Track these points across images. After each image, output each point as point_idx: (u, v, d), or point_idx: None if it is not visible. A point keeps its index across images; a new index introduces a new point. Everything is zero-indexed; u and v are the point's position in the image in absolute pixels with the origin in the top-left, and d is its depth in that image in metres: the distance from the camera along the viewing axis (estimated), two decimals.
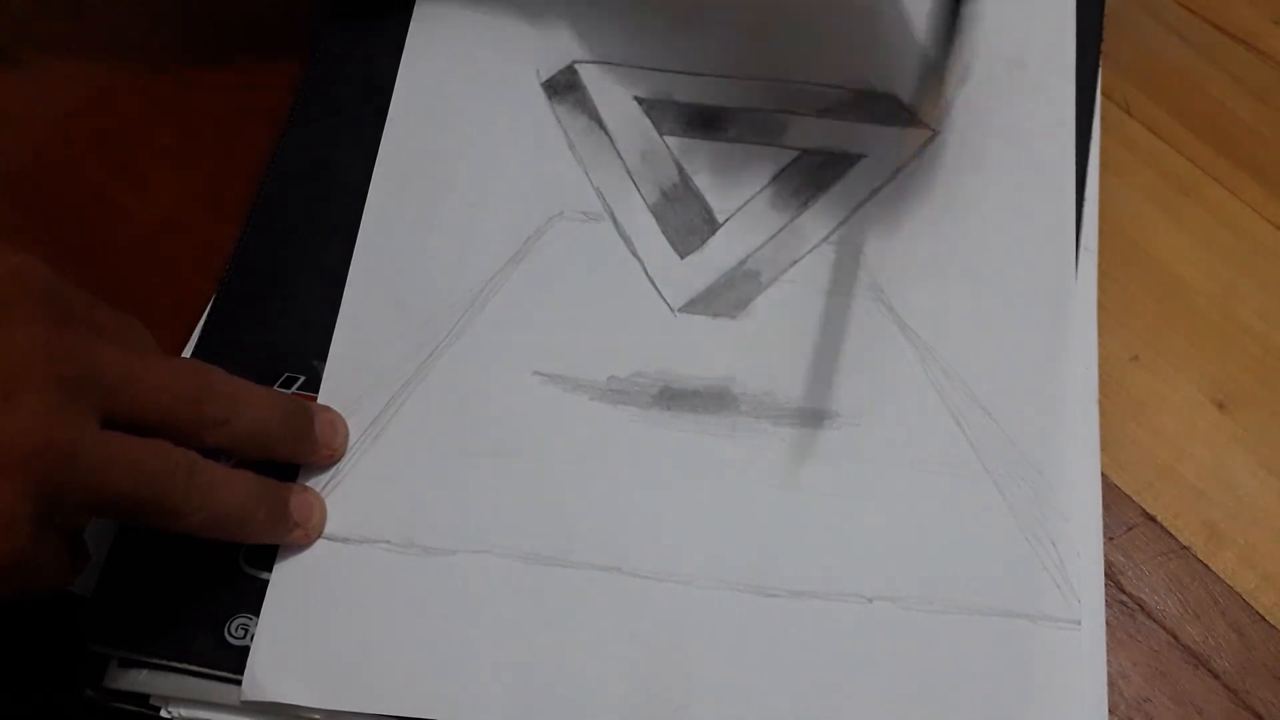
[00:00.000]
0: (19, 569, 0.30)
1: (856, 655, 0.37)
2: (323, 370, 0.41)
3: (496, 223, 0.43)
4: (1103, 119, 0.46)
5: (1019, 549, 0.38)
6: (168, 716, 0.36)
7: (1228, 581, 0.39)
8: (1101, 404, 0.41)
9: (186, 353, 0.42)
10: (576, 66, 0.47)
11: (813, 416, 0.40)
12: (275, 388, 0.40)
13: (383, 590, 0.37)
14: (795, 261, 0.43)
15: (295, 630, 0.37)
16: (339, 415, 0.39)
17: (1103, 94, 0.46)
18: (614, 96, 0.46)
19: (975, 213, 0.44)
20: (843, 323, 0.42)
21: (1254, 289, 0.44)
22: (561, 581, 0.38)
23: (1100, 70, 0.47)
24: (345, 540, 0.38)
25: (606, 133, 0.45)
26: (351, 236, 0.43)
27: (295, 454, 0.38)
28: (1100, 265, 0.43)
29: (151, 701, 0.37)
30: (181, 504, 0.33)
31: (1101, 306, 0.42)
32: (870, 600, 0.37)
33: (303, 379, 0.41)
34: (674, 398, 0.40)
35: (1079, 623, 0.37)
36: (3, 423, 0.29)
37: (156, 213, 0.46)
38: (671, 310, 0.42)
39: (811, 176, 0.44)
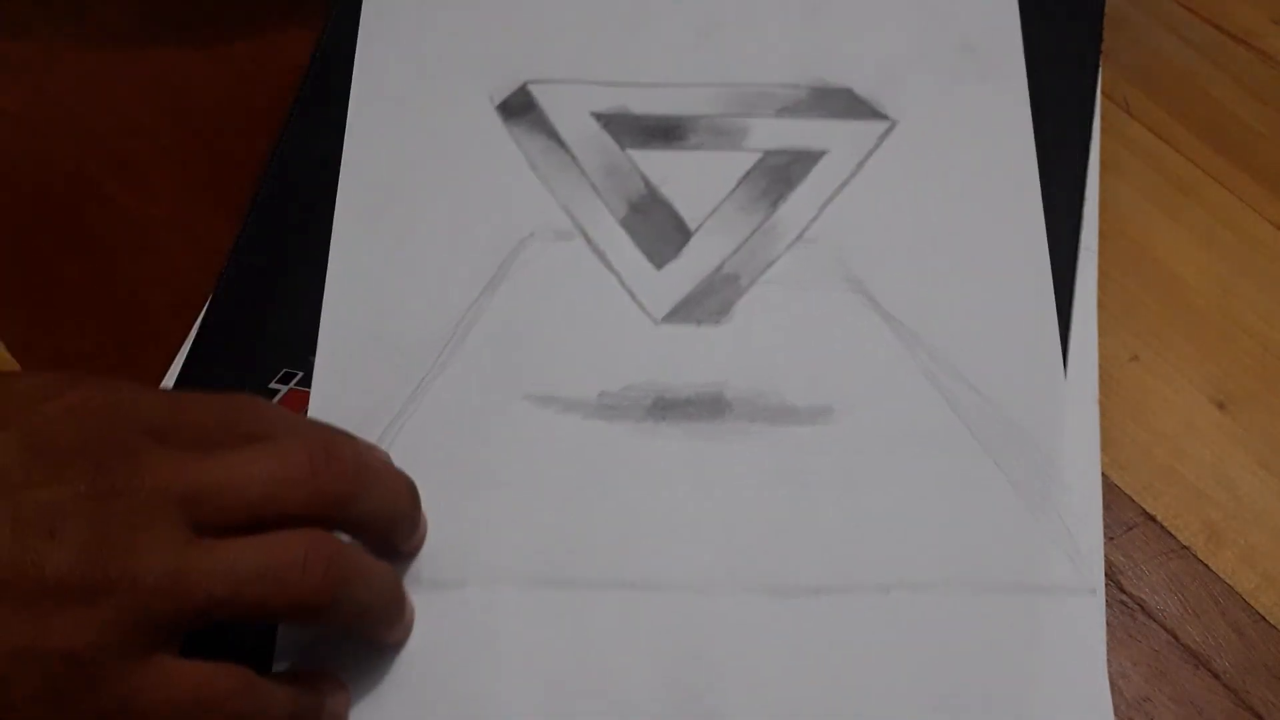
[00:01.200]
0: (118, 695, 0.29)
1: (879, 645, 0.37)
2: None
3: (468, 251, 0.43)
4: (1103, 119, 0.46)
5: (1025, 523, 0.38)
6: None
7: (1228, 581, 0.39)
8: (1101, 404, 0.41)
9: (184, 350, 0.41)
10: (529, 86, 0.46)
11: (807, 414, 0.40)
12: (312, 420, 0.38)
13: None
14: (772, 262, 0.43)
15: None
16: None
17: (1103, 94, 0.46)
18: (570, 114, 0.46)
19: (942, 197, 0.44)
20: (826, 318, 0.42)
21: (1254, 289, 0.44)
22: (576, 602, 0.37)
23: (1100, 70, 0.47)
24: None
25: (568, 151, 0.45)
26: None
27: (409, 536, 0.37)
28: (1100, 265, 0.43)
29: None
30: (311, 596, 0.31)
31: (1101, 306, 0.42)
32: (887, 590, 0.37)
33: (300, 374, 0.41)
34: (667, 408, 0.40)
35: (1095, 590, 0.37)
36: (55, 559, 0.29)
37: (156, 211, 0.46)
38: (654, 321, 0.42)
39: (778, 177, 0.44)
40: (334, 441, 0.33)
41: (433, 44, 0.47)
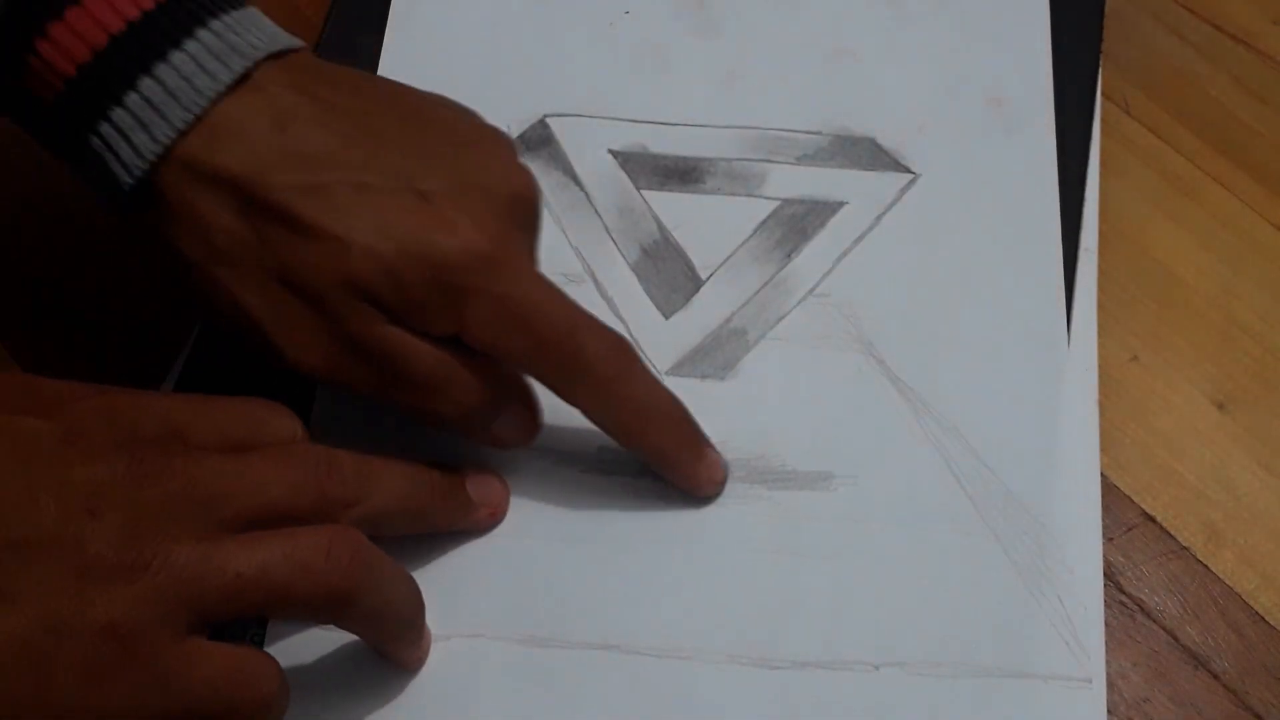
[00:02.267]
0: (156, 671, 0.29)
1: None
2: None
3: None
4: (1103, 119, 0.46)
5: (1025, 606, 0.37)
6: None
7: (1227, 581, 0.39)
8: (1101, 404, 0.41)
9: (186, 351, 0.41)
10: (548, 120, 0.46)
11: (806, 478, 0.39)
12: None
13: (374, 678, 0.36)
14: (782, 317, 0.42)
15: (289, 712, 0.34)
16: (491, 472, 0.38)
17: (1103, 94, 0.46)
18: (588, 150, 0.45)
19: (961, 257, 0.43)
20: (833, 379, 0.41)
21: (1254, 289, 0.44)
22: (560, 663, 0.36)
23: (1100, 70, 0.47)
24: (333, 627, 0.36)
25: (582, 189, 0.44)
26: None
27: (451, 520, 0.37)
28: (1100, 265, 0.43)
29: None
30: (338, 581, 0.31)
31: (1101, 306, 0.42)
32: (877, 667, 0.36)
33: None
34: None
35: (1090, 680, 0.36)
36: (96, 537, 0.29)
37: None
38: (659, 373, 0.41)
39: (794, 226, 0.43)
40: (331, 451, 0.34)
41: (455, 71, 0.46)
